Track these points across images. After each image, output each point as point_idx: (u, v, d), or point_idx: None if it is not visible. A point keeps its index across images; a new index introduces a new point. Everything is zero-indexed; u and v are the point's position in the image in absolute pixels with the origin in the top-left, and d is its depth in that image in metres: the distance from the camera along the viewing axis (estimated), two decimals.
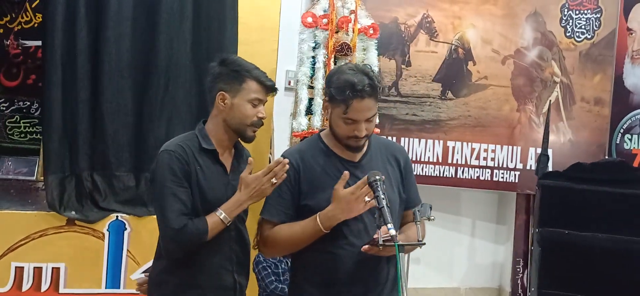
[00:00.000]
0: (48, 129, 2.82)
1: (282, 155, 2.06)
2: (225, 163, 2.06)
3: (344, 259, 1.94)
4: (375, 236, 1.80)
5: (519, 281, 4.50)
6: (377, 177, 1.83)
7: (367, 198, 1.87)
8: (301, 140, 3.04)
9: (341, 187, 1.90)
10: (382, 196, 1.77)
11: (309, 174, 2.02)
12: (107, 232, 2.89)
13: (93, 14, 2.87)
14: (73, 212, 2.81)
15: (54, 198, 2.78)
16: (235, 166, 2.09)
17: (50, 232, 2.81)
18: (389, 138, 3.93)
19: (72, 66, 2.83)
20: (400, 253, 1.68)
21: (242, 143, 2.12)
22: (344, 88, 1.91)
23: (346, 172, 1.90)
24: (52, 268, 2.83)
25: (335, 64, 2.98)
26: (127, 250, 2.91)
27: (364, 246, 1.87)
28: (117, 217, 2.90)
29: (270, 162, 3.08)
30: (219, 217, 1.95)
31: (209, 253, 2.00)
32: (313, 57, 3.11)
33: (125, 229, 2.91)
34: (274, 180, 1.94)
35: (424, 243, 1.79)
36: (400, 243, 1.71)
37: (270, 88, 2.05)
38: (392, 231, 1.71)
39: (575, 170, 3.54)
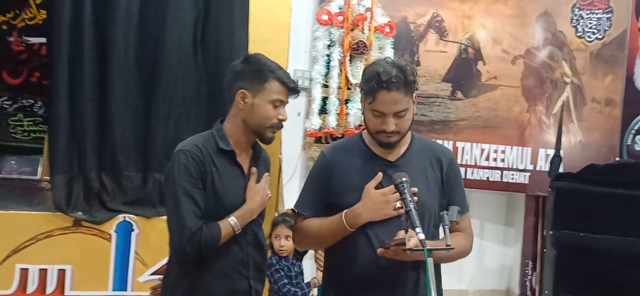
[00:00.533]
0: (55, 128, 2.77)
1: (322, 152, 2.02)
2: (242, 165, 1.99)
3: (366, 263, 1.88)
4: (397, 237, 1.74)
5: (528, 284, 4.44)
6: (404, 179, 1.77)
7: (397, 204, 1.80)
8: (315, 140, 2.99)
9: (372, 186, 1.85)
10: (410, 199, 1.70)
11: (341, 171, 1.96)
12: (115, 233, 2.83)
13: (100, 11, 2.81)
14: (80, 213, 2.74)
15: (61, 198, 2.72)
16: (253, 168, 2.02)
17: (57, 233, 2.75)
18: None
19: (79, 64, 2.77)
20: (428, 258, 1.61)
21: (260, 144, 2.06)
22: (371, 79, 1.87)
23: (380, 173, 1.84)
24: (58, 270, 2.77)
25: (350, 63, 2.93)
26: (135, 251, 2.85)
27: (379, 249, 1.80)
28: (124, 217, 2.84)
29: (280, 162, 3.03)
30: (230, 223, 1.88)
31: (224, 257, 1.95)
32: (328, 56, 3.04)
33: (133, 230, 2.85)
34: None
35: (452, 248, 1.72)
36: (428, 247, 1.63)
37: (293, 90, 1.99)
38: (421, 235, 1.64)
39: (589, 172, 3.49)
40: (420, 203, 1.77)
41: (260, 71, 1.95)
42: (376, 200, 1.85)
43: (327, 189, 1.95)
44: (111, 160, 2.82)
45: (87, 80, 2.77)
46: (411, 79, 1.88)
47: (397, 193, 1.81)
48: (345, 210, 1.88)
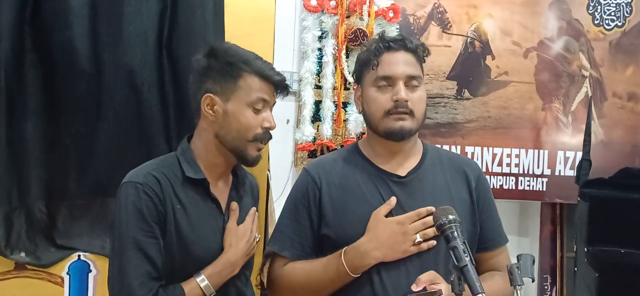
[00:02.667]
0: None
1: (304, 168, 1.53)
2: (219, 199, 1.49)
3: None
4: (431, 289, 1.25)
5: None
6: (451, 217, 1.28)
7: (418, 237, 1.32)
8: (308, 154, 2.51)
9: (383, 212, 1.38)
10: (463, 247, 1.21)
11: (334, 193, 1.53)
12: (67, 276, 2.32)
13: (45, 10, 2.29)
14: (22, 254, 2.22)
15: None
16: (234, 200, 1.52)
17: None
18: None
19: (18, 70, 2.26)
20: None
21: (244, 167, 1.56)
22: (372, 45, 1.55)
23: (393, 198, 1.37)
24: None
25: (347, 57, 2.44)
26: None
27: None
28: (79, 256, 2.33)
29: (268, 181, 2.56)
30: (199, 285, 1.37)
31: None
32: (319, 50, 2.56)
33: (90, 271, 2.34)
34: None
35: None
36: None
37: (278, 85, 1.50)
38: None
39: (624, 177, 3.10)
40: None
41: (232, 64, 1.47)
42: (391, 231, 1.42)
43: (315, 219, 1.52)
44: (61, 187, 2.30)
45: (28, 89, 2.26)
46: (420, 45, 1.58)
47: (419, 222, 1.33)
48: (345, 248, 1.42)
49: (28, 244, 2.27)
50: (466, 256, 1.23)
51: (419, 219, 1.43)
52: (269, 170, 2.69)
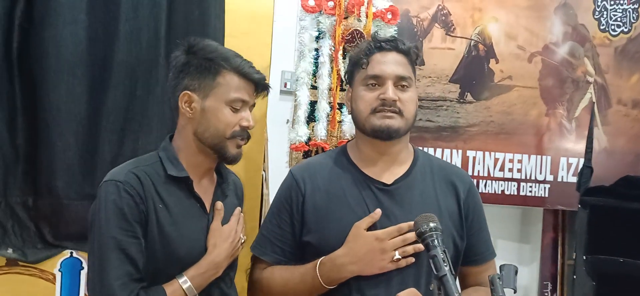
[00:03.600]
0: None
1: (289, 171, 1.50)
2: (203, 198, 1.46)
3: None
4: None
5: None
6: (432, 225, 1.25)
7: (397, 255, 1.29)
8: (303, 155, 2.48)
9: (364, 226, 1.34)
10: (443, 256, 1.18)
11: (317, 199, 1.49)
12: (59, 273, 2.29)
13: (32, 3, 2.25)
14: (10, 250, 2.20)
15: None
16: (219, 200, 1.50)
17: None
18: None
19: (8, 65, 2.22)
20: None
21: (229, 166, 1.54)
22: (361, 47, 1.53)
23: (378, 211, 1.33)
24: None
25: (344, 58, 2.41)
26: (85, 294, 2.29)
27: None
28: (71, 253, 2.30)
29: (263, 181, 2.53)
30: (181, 287, 1.35)
31: None
32: (316, 50, 2.53)
33: (82, 268, 2.30)
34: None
35: None
36: None
37: (258, 84, 1.48)
38: None
39: (625, 185, 3.05)
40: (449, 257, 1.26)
41: (210, 61, 1.44)
42: (368, 247, 1.37)
43: (297, 225, 1.48)
44: (48, 185, 2.24)
45: (18, 85, 2.23)
46: (413, 47, 1.55)
47: (399, 238, 1.30)
48: (322, 259, 1.39)
49: (15, 240, 2.25)
50: (446, 266, 1.18)
51: (399, 235, 1.39)
52: (264, 170, 2.66)
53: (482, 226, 1.58)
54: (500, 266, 1.36)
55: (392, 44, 1.53)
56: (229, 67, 1.47)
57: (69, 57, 2.25)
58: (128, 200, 1.36)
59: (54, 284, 2.31)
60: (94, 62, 2.29)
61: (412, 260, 1.37)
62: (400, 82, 1.51)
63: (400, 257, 1.36)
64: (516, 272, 1.29)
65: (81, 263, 2.33)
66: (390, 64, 1.50)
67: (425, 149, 3.78)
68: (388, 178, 1.51)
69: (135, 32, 2.33)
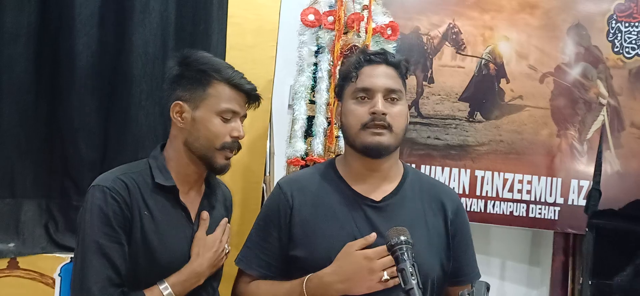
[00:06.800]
0: None
1: (277, 183, 1.52)
2: (189, 208, 1.47)
3: None
4: None
5: None
6: (402, 239, 1.23)
7: (386, 275, 1.28)
8: (301, 169, 2.49)
9: (357, 247, 1.33)
10: (411, 271, 1.17)
11: (305, 214, 1.47)
12: (59, 278, 2.32)
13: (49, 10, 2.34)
14: (11, 245, 2.23)
15: None
16: (206, 210, 1.51)
17: None
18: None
19: (22, 73, 2.30)
20: None
21: (218, 176, 1.54)
22: (352, 60, 1.52)
23: (373, 234, 1.32)
24: None
25: None
26: None
27: None
28: (71, 259, 2.33)
29: (263, 193, 2.54)
30: (161, 292, 1.36)
31: None
32: (315, 65, 2.54)
33: None
34: None
35: None
36: None
37: (249, 95, 1.49)
38: None
39: (634, 209, 2.99)
40: (418, 263, 1.25)
41: (202, 72, 1.45)
42: (357, 266, 1.35)
43: (284, 240, 1.46)
44: (58, 187, 2.34)
45: (27, 86, 2.30)
46: (403, 60, 1.53)
47: (388, 258, 1.29)
48: (309, 276, 1.38)
49: (20, 236, 2.29)
50: (413, 279, 1.17)
51: (387, 257, 1.37)
52: (265, 183, 2.67)
53: (469, 247, 1.56)
54: (471, 283, 1.34)
55: (381, 57, 1.51)
56: (220, 78, 1.48)
57: (81, 68, 2.33)
58: (114, 206, 1.38)
59: (53, 288, 2.34)
60: (103, 74, 2.37)
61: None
62: (390, 95, 1.49)
63: (389, 278, 1.34)
64: (488, 289, 1.26)
65: None
66: (379, 76, 1.49)
67: (433, 168, 3.79)
68: (377, 195, 1.49)
69: (142, 45, 2.39)
